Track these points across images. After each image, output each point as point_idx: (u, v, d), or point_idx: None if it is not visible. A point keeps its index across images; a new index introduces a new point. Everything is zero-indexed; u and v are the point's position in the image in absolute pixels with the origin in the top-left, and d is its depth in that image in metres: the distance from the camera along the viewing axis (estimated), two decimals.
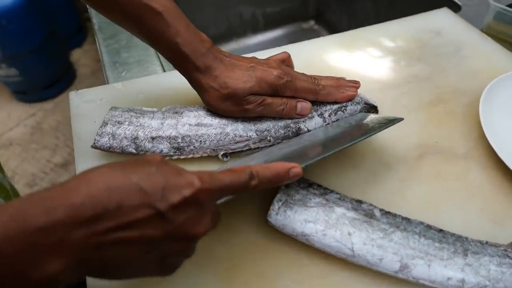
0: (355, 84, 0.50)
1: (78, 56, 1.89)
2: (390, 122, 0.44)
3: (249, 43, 1.11)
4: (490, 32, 0.66)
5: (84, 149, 0.48)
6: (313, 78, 0.49)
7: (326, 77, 0.50)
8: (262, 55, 0.53)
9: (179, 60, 0.45)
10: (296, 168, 0.36)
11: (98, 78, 1.79)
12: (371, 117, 0.47)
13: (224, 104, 0.46)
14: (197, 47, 0.44)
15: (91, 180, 0.27)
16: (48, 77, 1.70)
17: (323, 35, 1.12)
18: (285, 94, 0.47)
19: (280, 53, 0.51)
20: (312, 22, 1.15)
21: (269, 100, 0.46)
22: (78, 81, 1.79)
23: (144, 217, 0.28)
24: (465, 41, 0.63)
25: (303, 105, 0.48)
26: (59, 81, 1.73)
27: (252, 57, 0.49)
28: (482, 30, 0.66)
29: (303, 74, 0.49)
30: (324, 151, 0.40)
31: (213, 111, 0.47)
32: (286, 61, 0.51)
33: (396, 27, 0.66)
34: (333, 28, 1.11)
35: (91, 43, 1.93)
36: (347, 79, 0.51)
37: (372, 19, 0.99)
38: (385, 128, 0.44)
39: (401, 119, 0.45)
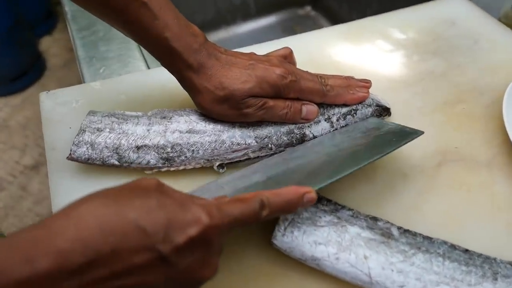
0: (366, 83, 0.48)
1: (48, 45, 1.84)
2: (408, 135, 0.42)
3: (240, 31, 1.09)
4: (508, 22, 0.64)
5: (58, 161, 0.45)
6: (320, 77, 0.47)
7: (334, 76, 0.48)
8: (258, 48, 0.50)
9: (169, 57, 0.42)
10: (311, 193, 0.34)
11: (71, 69, 1.74)
12: (385, 124, 0.45)
13: (219, 107, 0.43)
14: (189, 42, 0.42)
15: (80, 219, 0.25)
16: (14, 69, 1.64)
17: (320, 23, 1.10)
18: (288, 95, 0.45)
19: (281, 49, 0.49)
20: (308, 8, 1.13)
21: (271, 103, 0.44)
22: (49, 73, 1.74)
23: (145, 262, 0.25)
24: (482, 32, 0.61)
25: (309, 108, 0.45)
26: (27, 73, 1.68)
27: (251, 53, 0.46)
28: (499, 20, 0.64)
29: (307, 72, 0.46)
30: (337, 171, 0.38)
31: (207, 115, 0.45)
32: (288, 58, 0.49)
33: (406, 17, 0.64)
34: (331, 14, 1.09)
35: (62, 30, 1.87)
36: (356, 77, 0.49)
37: (375, 4, 0.97)
38: (403, 145, 0.42)
39: (421, 133, 0.43)
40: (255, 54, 0.46)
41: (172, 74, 0.44)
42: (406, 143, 0.42)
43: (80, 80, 0.59)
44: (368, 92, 0.48)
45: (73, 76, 1.71)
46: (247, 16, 1.08)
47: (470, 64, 0.57)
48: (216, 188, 0.39)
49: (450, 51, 0.59)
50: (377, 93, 0.50)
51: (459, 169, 0.46)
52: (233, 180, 0.40)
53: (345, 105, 0.47)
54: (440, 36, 0.61)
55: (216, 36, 1.06)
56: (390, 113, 0.49)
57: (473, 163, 0.47)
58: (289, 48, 0.49)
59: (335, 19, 1.07)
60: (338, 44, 0.60)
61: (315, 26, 1.09)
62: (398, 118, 0.50)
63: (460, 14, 0.64)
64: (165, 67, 0.44)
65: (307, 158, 0.42)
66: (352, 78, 0.49)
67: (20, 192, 1.38)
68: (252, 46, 0.59)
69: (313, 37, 0.62)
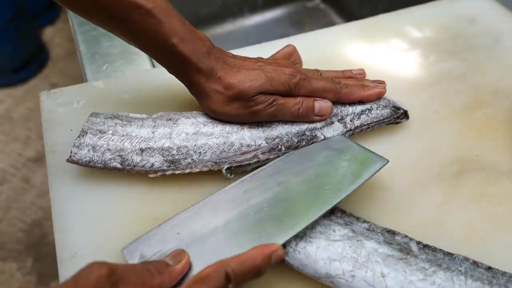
0: (381, 83, 0.47)
1: (51, 35, 1.81)
2: (373, 164, 0.41)
3: (247, 24, 1.06)
4: None
5: (59, 165, 0.43)
6: (331, 78, 0.46)
7: (346, 75, 0.48)
8: (266, 47, 0.48)
9: (178, 63, 0.41)
10: (278, 251, 0.33)
11: (74, 60, 1.71)
12: (349, 147, 0.43)
13: (229, 107, 0.42)
14: (197, 46, 0.41)
15: None
16: (17, 60, 1.62)
17: (330, 16, 1.07)
18: (299, 93, 0.43)
19: (285, 47, 0.48)
20: (317, 1, 1.10)
21: (282, 100, 0.42)
22: (52, 64, 1.72)
23: None
24: (504, 30, 0.59)
25: (321, 104, 0.44)
26: (29, 64, 1.66)
27: (258, 57, 0.46)
28: None
29: (315, 70, 0.46)
30: (302, 216, 0.36)
31: (217, 118, 0.44)
32: (293, 56, 0.48)
33: (423, 14, 0.61)
34: (341, 7, 1.06)
35: (65, 20, 1.85)
36: (370, 79, 0.47)
37: None
38: (370, 177, 0.40)
39: (386, 162, 0.41)
40: (262, 58, 0.46)
41: (181, 80, 0.43)
42: (372, 175, 0.40)
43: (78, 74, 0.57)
44: (385, 88, 0.46)
45: (76, 66, 1.68)
46: (254, 8, 1.05)
47: (491, 65, 0.54)
48: (172, 234, 0.36)
49: (470, 50, 0.56)
50: (393, 95, 0.48)
51: (480, 179, 0.44)
52: (189, 222, 0.37)
53: (359, 103, 0.46)
54: (459, 35, 0.58)
55: (223, 29, 1.04)
56: (408, 117, 0.47)
57: (495, 172, 0.44)
58: (293, 46, 0.48)
59: (345, 12, 1.04)
60: (352, 43, 0.58)
61: (324, 19, 1.06)
62: (414, 122, 0.48)
63: (480, 11, 0.61)
64: (173, 74, 0.43)
65: (268, 193, 0.39)
66: (366, 79, 0.47)
67: (23, 185, 1.37)
68: (263, 43, 0.57)
69: (326, 35, 0.59)
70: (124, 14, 0.38)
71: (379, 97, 0.46)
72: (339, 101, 0.45)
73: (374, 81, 0.47)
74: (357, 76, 0.48)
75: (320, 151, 0.43)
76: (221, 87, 0.41)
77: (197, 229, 0.36)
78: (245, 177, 0.41)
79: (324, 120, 0.44)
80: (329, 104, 0.44)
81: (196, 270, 0.33)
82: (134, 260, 0.34)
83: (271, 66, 0.43)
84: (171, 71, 0.43)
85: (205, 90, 0.42)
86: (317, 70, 0.46)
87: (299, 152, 0.43)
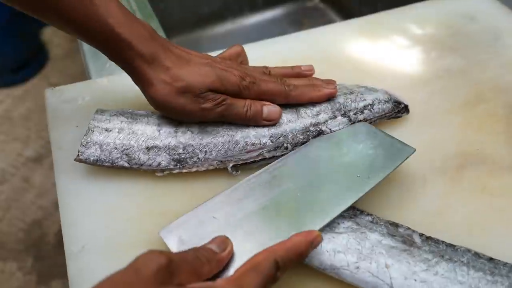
0: (331, 83, 0.46)
1: (50, 35, 1.81)
2: (401, 153, 0.41)
3: (247, 23, 1.07)
4: None
5: (65, 161, 0.43)
6: (281, 78, 0.45)
7: (295, 72, 0.47)
8: (265, 45, 0.49)
9: (115, 46, 0.39)
10: (319, 238, 0.33)
11: (74, 60, 1.72)
12: (375, 134, 0.43)
13: (177, 101, 0.40)
14: (137, 30, 0.39)
15: None
16: (16, 60, 1.63)
17: (329, 15, 1.08)
18: (248, 96, 0.43)
19: (233, 46, 0.47)
20: (316, 0, 1.11)
21: (231, 100, 0.42)
22: (51, 64, 1.72)
23: None
24: (504, 27, 0.59)
25: (270, 109, 0.43)
26: (29, 64, 1.66)
27: (205, 54, 0.44)
28: None
29: (264, 68, 0.46)
30: (338, 202, 0.37)
31: (161, 112, 0.43)
32: (241, 56, 0.47)
33: (423, 11, 0.62)
34: (340, 7, 1.07)
35: None
36: (370, 75, 0.47)
37: None
38: (399, 165, 0.40)
39: (413, 151, 0.41)
40: (209, 55, 0.44)
41: (122, 68, 0.41)
42: (400, 164, 0.41)
43: (83, 72, 0.57)
44: (335, 88, 0.46)
45: (75, 67, 1.69)
46: (254, 7, 1.06)
47: (491, 61, 0.55)
48: (208, 218, 0.36)
49: (470, 47, 0.57)
50: (394, 90, 0.49)
51: (481, 172, 0.44)
52: (224, 206, 0.37)
53: (362, 99, 0.46)
54: (459, 32, 0.59)
55: (223, 28, 1.04)
56: (409, 111, 0.47)
57: (496, 166, 0.45)
58: (241, 46, 0.48)
59: (344, 12, 1.05)
60: (353, 40, 0.58)
61: (323, 18, 1.07)
62: (416, 117, 0.48)
63: (479, 8, 0.62)
64: (112, 60, 0.41)
65: (299, 180, 0.39)
66: (316, 78, 0.47)
67: (22, 184, 1.37)
68: (261, 41, 0.58)
69: (327, 32, 0.60)
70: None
71: (329, 98, 0.45)
72: (288, 103, 0.45)
73: (324, 81, 0.46)
74: (306, 73, 0.47)
75: (346, 138, 0.43)
76: (168, 77, 0.39)
77: (232, 213, 0.37)
78: (272, 163, 0.41)
79: (273, 125, 0.44)
80: (277, 109, 0.44)
81: (237, 256, 0.34)
82: (173, 243, 0.35)
83: (220, 65, 0.42)
84: (111, 58, 0.40)
85: (149, 78, 0.39)
86: (266, 68, 0.46)
87: (325, 138, 0.43)
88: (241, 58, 0.47)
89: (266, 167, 0.41)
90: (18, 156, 1.45)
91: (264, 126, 0.43)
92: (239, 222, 0.36)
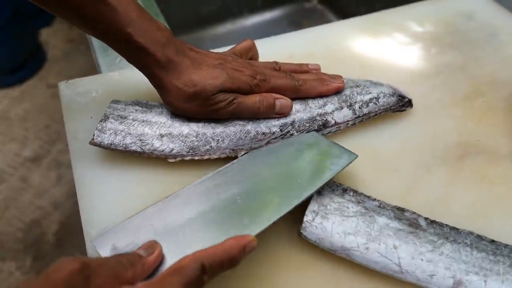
0: (339, 77, 0.48)
1: (48, 37, 1.82)
2: (343, 159, 0.41)
3: (246, 24, 1.09)
4: None
5: (81, 150, 0.45)
6: (290, 73, 0.46)
7: (303, 69, 0.49)
8: (266, 43, 0.50)
9: (135, 53, 0.41)
10: (252, 243, 0.33)
11: (71, 61, 1.72)
12: (320, 142, 0.43)
13: (189, 104, 0.42)
14: (155, 36, 0.40)
15: None
16: (13, 61, 1.63)
17: (328, 16, 1.10)
18: (260, 92, 0.44)
19: (244, 41, 0.49)
20: (315, 2, 1.13)
21: (242, 98, 0.43)
22: (49, 65, 1.73)
23: None
24: (499, 26, 0.62)
25: (282, 103, 0.44)
26: (26, 65, 1.66)
27: (219, 52, 0.46)
28: None
29: (274, 63, 0.47)
30: (276, 208, 0.37)
31: (178, 114, 0.44)
32: (251, 50, 0.49)
33: (423, 10, 0.64)
34: (338, 8, 1.09)
35: (61, 21, 1.85)
36: (372, 70, 0.49)
37: None
38: (340, 171, 0.40)
39: (355, 157, 0.41)
40: (223, 53, 0.46)
41: (141, 71, 0.43)
42: (342, 169, 0.40)
43: (80, 73, 0.58)
44: (343, 82, 0.47)
45: (73, 68, 1.70)
46: (254, 8, 1.08)
47: (488, 57, 0.58)
48: (144, 226, 0.36)
49: (468, 44, 0.59)
50: (397, 85, 0.51)
51: (481, 162, 0.46)
52: (162, 214, 0.37)
53: (367, 93, 0.48)
54: (458, 30, 0.61)
55: (223, 29, 1.06)
56: (412, 105, 0.50)
57: (495, 156, 0.47)
58: (252, 41, 0.49)
59: (342, 13, 1.07)
60: (356, 37, 0.60)
61: (322, 20, 1.09)
62: (418, 110, 0.51)
63: (476, 7, 0.65)
64: (131, 63, 0.42)
65: (240, 187, 0.39)
66: (324, 73, 0.48)
67: (20, 184, 1.37)
68: (265, 39, 0.59)
69: (329, 30, 0.62)
70: (77, 2, 0.38)
71: (337, 91, 0.47)
72: (299, 97, 0.46)
73: (330, 76, 0.48)
74: (313, 71, 0.49)
75: (290, 146, 0.43)
76: (181, 83, 0.41)
77: (169, 221, 0.36)
78: (215, 171, 0.41)
79: (284, 117, 0.45)
80: (289, 102, 0.45)
81: (169, 261, 0.33)
82: (106, 251, 0.34)
83: (231, 65, 0.43)
84: (130, 61, 0.42)
85: (165, 84, 0.41)
86: (276, 63, 0.47)
87: (268, 148, 0.44)
88: (252, 52, 0.49)
89: (209, 174, 0.41)
90: (16, 156, 1.45)
91: (273, 118, 0.45)
92: (176, 229, 0.36)
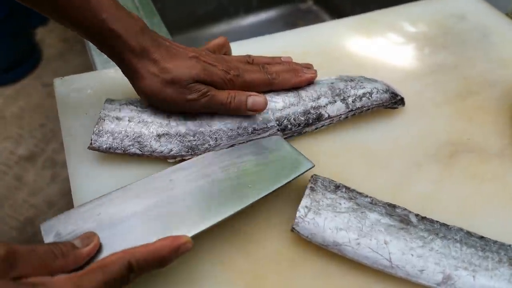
0: (310, 66, 0.48)
1: (43, 36, 1.82)
2: (300, 167, 0.41)
3: (241, 24, 1.09)
4: None
5: (76, 148, 0.45)
6: (263, 66, 0.47)
7: (275, 61, 0.49)
8: (262, 41, 0.51)
9: (108, 40, 0.40)
10: (187, 244, 0.33)
11: (67, 60, 1.72)
12: (282, 148, 0.43)
13: (165, 92, 0.42)
14: (129, 24, 0.40)
15: None
16: (9, 59, 1.62)
17: (323, 17, 1.10)
18: (233, 88, 0.45)
19: (217, 38, 0.49)
20: (310, 3, 1.14)
21: (214, 91, 0.43)
22: (44, 64, 1.72)
23: None
24: (491, 27, 0.63)
25: (255, 100, 0.44)
26: (21, 63, 1.66)
27: (192, 47, 0.46)
28: (507, 15, 0.66)
29: (247, 57, 0.47)
30: (219, 211, 0.37)
31: (150, 102, 0.44)
32: (224, 47, 0.49)
33: (416, 10, 0.65)
34: (333, 9, 1.10)
35: None
36: (365, 69, 0.49)
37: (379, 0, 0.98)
38: (292, 179, 0.40)
39: (312, 166, 0.41)
40: (196, 48, 0.46)
41: (113, 60, 0.42)
42: (295, 178, 0.40)
43: (76, 71, 0.58)
44: (315, 72, 0.48)
45: (68, 67, 1.70)
46: (249, 9, 1.08)
47: (480, 58, 0.58)
48: (91, 215, 0.36)
49: (460, 44, 0.60)
50: (390, 84, 0.51)
51: (471, 160, 0.47)
52: (111, 204, 0.37)
53: (361, 87, 0.48)
54: (450, 30, 0.62)
55: (219, 29, 1.06)
56: (404, 103, 0.50)
57: (485, 154, 0.48)
58: (224, 37, 0.49)
59: (337, 14, 1.08)
60: (350, 36, 0.61)
61: (317, 20, 1.09)
62: (411, 108, 0.51)
63: (469, 8, 0.65)
64: (104, 52, 0.42)
65: (191, 185, 0.39)
66: (293, 62, 0.49)
67: (15, 183, 1.37)
68: (260, 37, 0.60)
69: (324, 29, 0.62)
70: None
71: (309, 82, 0.48)
72: (272, 90, 0.47)
73: (302, 65, 0.48)
74: (288, 61, 0.49)
75: (251, 149, 0.43)
76: (156, 70, 0.41)
77: (116, 212, 0.36)
78: (173, 166, 0.41)
79: (259, 113, 0.45)
80: (263, 98, 0.44)
81: (105, 254, 0.33)
82: (49, 237, 0.34)
83: (205, 59, 0.43)
84: (102, 49, 0.42)
85: (139, 71, 0.41)
86: (249, 56, 0.47)
87: (229, 149, 0.44)
88: (225, 49, 0.49)
89: (169, 168, 0.41)
90: (10, 155, 1.45)
91: (247, 114, 0.45)
92: (120, 222, 0.36)
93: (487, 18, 0.64)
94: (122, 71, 0.43)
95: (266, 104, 0.45)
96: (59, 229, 0.35)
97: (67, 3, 0.38)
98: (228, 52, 0.50)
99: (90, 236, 0.33)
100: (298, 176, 0.41)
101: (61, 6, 0.39)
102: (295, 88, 0.48)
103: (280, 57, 0.50)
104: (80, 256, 0.32)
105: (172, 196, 0.38)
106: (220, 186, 0.39)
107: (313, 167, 0.41)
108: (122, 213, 0.36)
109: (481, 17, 0.64)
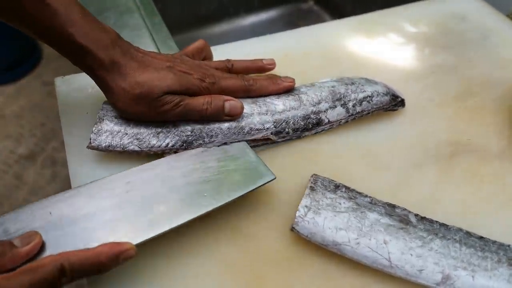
0: (290, 79, 0.48)
1: None
2: (259, 178, 0.40)
3: (242, 24, 1.09)
4: None
5: (77, 147, 0.45)
6: (241, 75, 0.47)
7: (258, 67, 0.49)
8: (263, 41, 0.51)
9: (77, 54, 0.39)
10: (130, 251, 0.32)
11: (67, 60, 1.72)
12: (244, 155, 0.43)
13: (135, 107, 0.41)
14: (98, 37, 0.39)
15: None
16: (9, 58, 1.63)
17: (323, 17, 1.11)
18: (209, 94, 0.44)
19: (197, 42, 0.49)
20: (311, 3, 1.14)
21: (189, 99, 0.42)
22: (44, 63, 1.73)
23: None
24: (492, 28, 0.63)
25: (232, 104, 0.43)
26: (22, 62, 1.66)
27: (167, 54, 0.45)
28: (508, 16, 0.66)
29: (227, 61, 0.47)
30: (169, 220, 0.36)
31: (125, 117, 0.44)
32: (204, 51, 0.48)
33: (417, 11, 0.65)
34: (334, 9, 1.10)
35: None
36: (366, 69, 0.50)
37: (380, 0, 0.98)
38: (250, 191, 0.39)
39: (273, 178, 0.40)
40: (171, 55, 0.45)
41: (88, 74, 0.41)
42: (253, 189, 0.39)
43: (76, 71, 0.58)
44: (293, 81, 0.47)
45: (69, 66, 1.68)
46: (250, 9, 1.08)
47: (480, 58, 0.58)
48: (42, 213, 0.35)
49: (461, 45, 0.60)
50: (391, 84, 0.51)
51: (471, 160, 0.47)
52: (64, 203, 0.36)
53: (362, 91, 0.48)
54: (451, 31, 0.62)
55: (219, 29, 1.06)
56: (404, 105, 0.50)
57: (485, 154, 0.48)
58: (204, 41, 0.49)
59: (338, 14, 1.08)
60: (350, 37, 0.61)
61: (318, 20, 1.09)
62: (411, 109, 0.51)
63: (469, 9, 0.66)
64: (78, 67, 0.41)
65: (149, 189, 0.38)
66: (274, 75, 0.48)
67: (15, 182, 1.37)
68: (260, 37, 0.60)
69: (325, 29, 0.62)
70: (14, 3, 0.36)
71: (288, 90, 0.47)
72: (250, 97, 0.46)
73: (282, 77, 0.48)
74: (267, 67, 0.49)
75: (215, 156, 0.43)
76: (127, 85, 0.40)
77: (68, 212, 0.35)
78: (132, 168, 0.41)
79: (235, 120, 0.44)
80: (239, 103, 0.44)
81: (48, 253, 0.32)
82: None
83: (180, 68, 0.42)
84: (75, 63, 0.41)
85: (110, 86, 0.40)
86: (228, 61, 0.47)
87: (195, 152, 0.43)
88: (204, 53, 0.48)
89: (132, 169, 0.40)
90: (10, 154, 1.45)
91: (224, 121, 0.44)
92: (69, 222, 0.35)
93: (488, 19, 0.64)
94: (96, 84, 0.42)
95: (242, 109, 0.44)
96: (7, 226, 0.34)
97: (35, 15, 0.37)
98: (208, 55, 0.49)
99: (31, 235, 0.32)
100: (257, 188, 0.40)
101: (28, 22, 0.37)
102: (296, 91, 0.48)
103: (261, 60, 0.49)
104: (18, 255, 0.31)
105: (126, 200, 0.37)
106: (176, 193, 0.38)
107: (274, 179, 0.40)
108: (74, 213, 0.35)
109: (482, 18, 0.64)
